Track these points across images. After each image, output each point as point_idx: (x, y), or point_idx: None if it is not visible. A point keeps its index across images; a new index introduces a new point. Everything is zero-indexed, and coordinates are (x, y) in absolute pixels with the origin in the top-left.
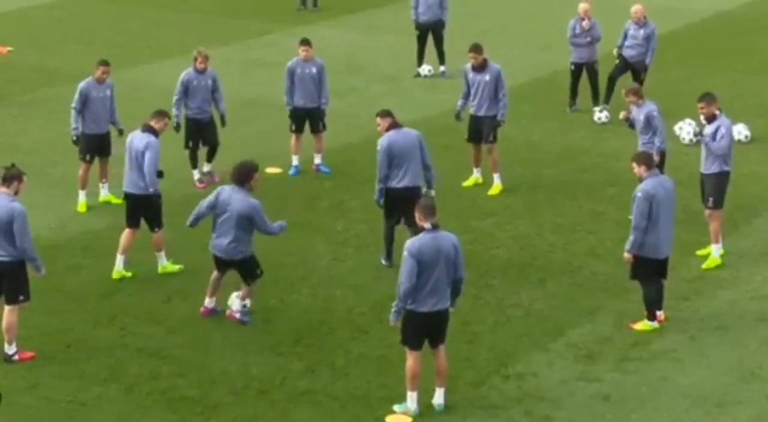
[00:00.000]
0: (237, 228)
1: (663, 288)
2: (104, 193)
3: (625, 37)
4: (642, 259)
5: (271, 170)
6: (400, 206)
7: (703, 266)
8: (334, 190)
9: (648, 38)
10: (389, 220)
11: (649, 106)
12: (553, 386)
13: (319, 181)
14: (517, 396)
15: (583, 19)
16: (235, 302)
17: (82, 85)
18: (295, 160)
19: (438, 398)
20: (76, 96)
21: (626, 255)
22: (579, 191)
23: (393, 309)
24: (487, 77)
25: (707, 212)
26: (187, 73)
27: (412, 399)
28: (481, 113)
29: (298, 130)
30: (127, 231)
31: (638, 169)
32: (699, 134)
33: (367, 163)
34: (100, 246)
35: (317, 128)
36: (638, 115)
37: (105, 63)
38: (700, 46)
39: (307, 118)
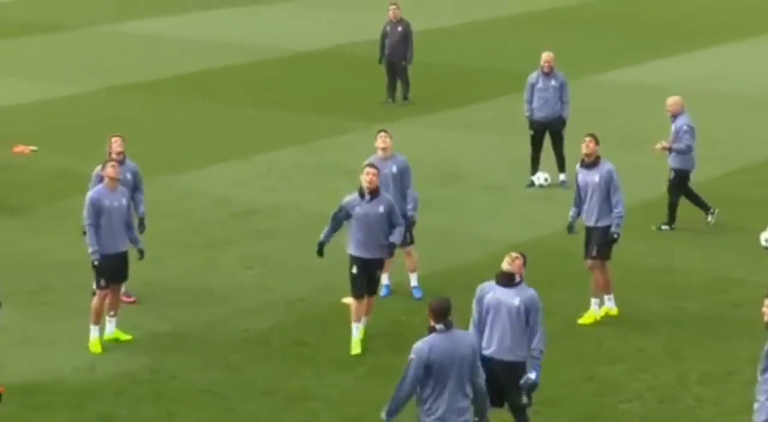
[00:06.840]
0: None
1: None
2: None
3: (532, 92)
4: None
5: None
6: None
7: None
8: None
9: (560, 89)
10: None
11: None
12: None
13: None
14: None
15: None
16: None
17: (93, 195)
18: (384, 278)
19: None
20: (91, 210)
21: None
22: (733, 331)
23: (385, 408)
24: (597, 178)
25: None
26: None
27: None
28: (593, 223)
29: None
30: None
31: None
32: None
33: (470, 293)
34: (137, 392)
35: (404, 240)
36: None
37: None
38: None
39: None
